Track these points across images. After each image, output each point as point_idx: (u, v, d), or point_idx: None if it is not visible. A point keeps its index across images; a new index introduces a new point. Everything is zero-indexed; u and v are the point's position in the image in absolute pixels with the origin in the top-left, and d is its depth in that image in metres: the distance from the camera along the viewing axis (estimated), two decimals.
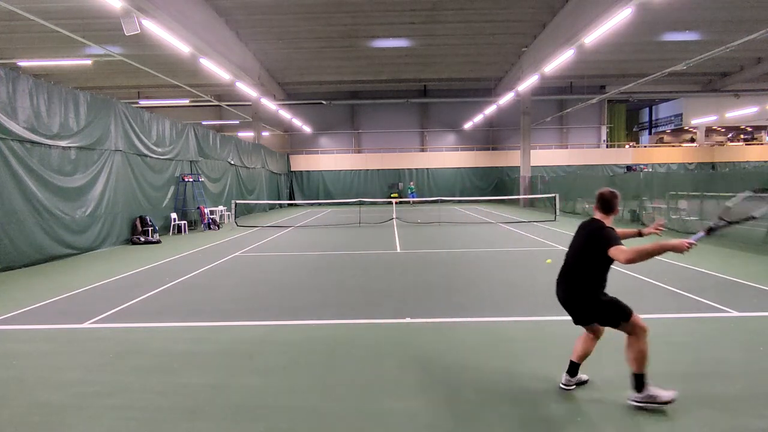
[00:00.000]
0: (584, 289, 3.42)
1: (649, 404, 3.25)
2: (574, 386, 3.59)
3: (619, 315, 3.36)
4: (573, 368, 3.59)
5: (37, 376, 4.06)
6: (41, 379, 4.00)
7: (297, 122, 34.73)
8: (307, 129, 36.46)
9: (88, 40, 15.81)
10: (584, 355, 3.59)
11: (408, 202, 30.77)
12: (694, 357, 4.25)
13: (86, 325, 5.55)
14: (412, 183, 34.89)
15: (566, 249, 3.66)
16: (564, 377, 3.61)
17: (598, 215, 3.48)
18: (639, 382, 3.27)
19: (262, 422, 3.22)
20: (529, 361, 4.19)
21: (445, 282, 7.66)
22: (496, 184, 35.34)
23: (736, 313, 5.51)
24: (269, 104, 28.18)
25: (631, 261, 3.12)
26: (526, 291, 6.84)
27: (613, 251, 3.19)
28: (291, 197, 34.73)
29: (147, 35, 14.33)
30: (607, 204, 3.44)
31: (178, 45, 14.76)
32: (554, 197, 19.59)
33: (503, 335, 4.95)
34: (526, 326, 5.23)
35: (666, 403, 3.24)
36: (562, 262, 3.62)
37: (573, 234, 3.61)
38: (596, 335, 3.60)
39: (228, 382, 3.86)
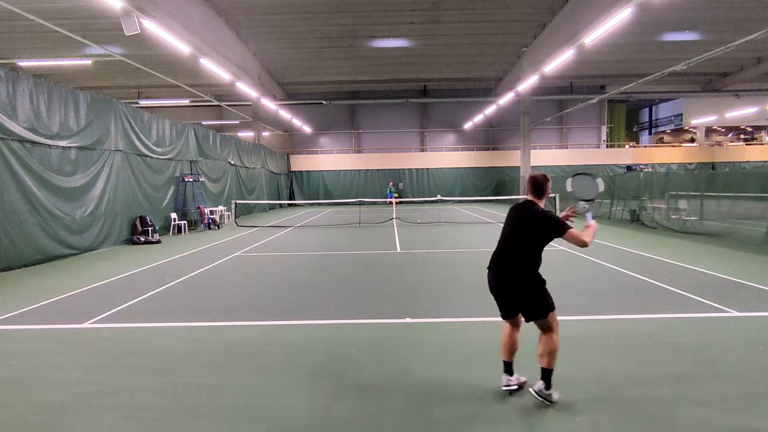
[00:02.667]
0: (527, 274, 3.37)
1: (544, 400, 3.33)
2: (516, 386, 3.53)
3: (547, 306, 3.36)
4: (509, 367, 3.55)
5: (37, 376, 4.06)
6: (41, 379, 4.00)
7: (297, 122, 34.72)
8: (307, 129, 36.45)
9: (88, 40, 15.81)
10: (515, 351, 3.56)
11: (399, 202, 30.78)
12: (694, 357, 4.25)
13: (86, 325, 5.55)
14: (391, 183, 34.89)
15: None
16: (504, 378, 3.54)
17: (531, 198, 3.51)
18: (549, 377, 3.32)
19: (262, 422, 3.22)
20: (528, 361, 4.18)
21: (445, 282, 7.66)
22: (496, 184, 35.32)
23: (736, 313, 5.51)
24: (269, 104, 28.17)
25: (590, 244, 3.35)
26: None
27: (574, 233, 3.29)
28: (291, 197, 34.72)
29: (147, 35, 14.33)
30: (540, 188, 3.50)
31: (178, 45, 14.75)
32: (554, 197, 19.60)
33: None
34: (524, 326, 5.21)
35: (552, 402, 3.33)
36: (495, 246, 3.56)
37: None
38: (519, 326, 3.60)
39: (228, 382, 3.86)
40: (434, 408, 3.39)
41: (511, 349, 3.55)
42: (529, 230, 3.37)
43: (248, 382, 3.86)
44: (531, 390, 3.38)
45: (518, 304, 3.43)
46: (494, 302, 3.58)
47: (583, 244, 3.35)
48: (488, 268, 3.54)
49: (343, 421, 3.23)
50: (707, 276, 7.63)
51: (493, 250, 3.56)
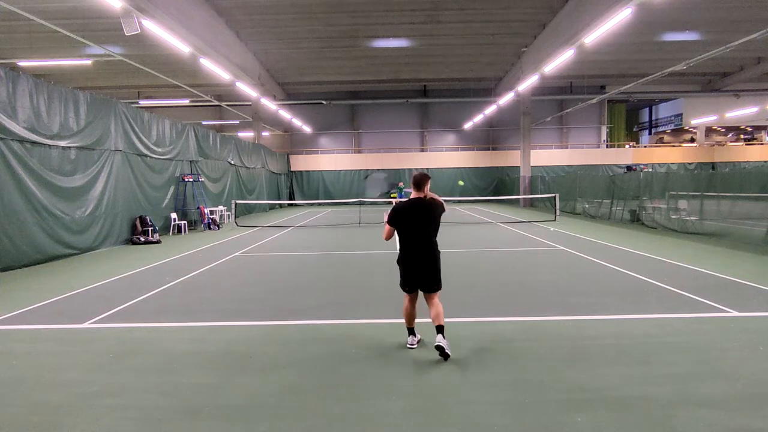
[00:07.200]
0: (439, 256, 4.58)
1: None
2: (417, 344, 4.53)
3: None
4: (412, 331, 4.61)
5: (37, 376, 4.06)
6: (41, 379, 3.99)
7: (297, 122, 34.70)
8: (307, 129, 36.44)
9: (88, 40, 15.81)
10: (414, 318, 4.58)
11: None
12: (694, 357, 4.25)
13: (86, 325, 5.55)
14: (400, 184, 34.81)
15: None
16: (410, 339, 4.56)
17: (422, 193, 4.54)
18: (443, 330, 4.30)
19: (262, 422, 3.22)
20: (530, 361, 4.18)
21: (444, 282, 7.64)
22: (496, 184, 35.32)
23: (736, 313, 5.51)
24: (269, 104, 28.17)
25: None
26: (525, 291, 6.84)
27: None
28: (291, 197, 34.72)
29: (147, 35, 14.32)
30: (423, 183, 4.53)
31: (178, 45, 14.75)
32: (554, 197, 19.61)
33: (503, 335, 4.95)
34: (525, 326, 5.23)
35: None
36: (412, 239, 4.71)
37: (412, 213, 4.65)
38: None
39: (228, 382, 3.86)
40: (436, 408, 3.39)
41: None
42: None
43: (248, 382, 3.86)
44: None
45: None
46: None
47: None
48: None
49: (342, 422, 3.23)
50: (707, 276, 7.63)
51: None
